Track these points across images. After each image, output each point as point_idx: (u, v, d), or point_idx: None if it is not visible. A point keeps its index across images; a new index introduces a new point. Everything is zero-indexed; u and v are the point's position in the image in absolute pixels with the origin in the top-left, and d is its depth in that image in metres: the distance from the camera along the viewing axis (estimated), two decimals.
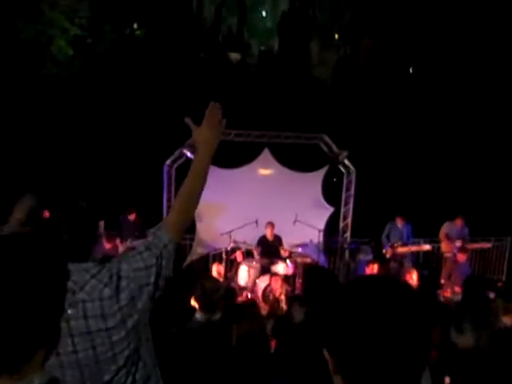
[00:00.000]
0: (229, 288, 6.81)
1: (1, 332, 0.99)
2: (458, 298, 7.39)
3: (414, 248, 10.01)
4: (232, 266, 9.56)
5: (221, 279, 7.86)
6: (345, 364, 1.06)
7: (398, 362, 1.02)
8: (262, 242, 9.48)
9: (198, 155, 2.25)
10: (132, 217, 9.57)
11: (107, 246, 7.70)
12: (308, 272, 3.67)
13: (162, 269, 2.04)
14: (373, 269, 8.04)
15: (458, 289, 8.01)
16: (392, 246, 9.69)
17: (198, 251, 10.57)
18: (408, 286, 1.18)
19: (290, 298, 6.30)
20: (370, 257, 9.92)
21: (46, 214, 9.72)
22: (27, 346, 1.03)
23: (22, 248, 1.07)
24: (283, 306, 7.57)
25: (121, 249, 8.60)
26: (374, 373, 1.02)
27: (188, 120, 2.28)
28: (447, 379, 3.23)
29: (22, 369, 1.03)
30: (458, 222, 9.86)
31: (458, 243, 9.60)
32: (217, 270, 8.10)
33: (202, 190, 2.21)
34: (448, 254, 9.67)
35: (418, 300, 1.08)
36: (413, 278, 7.66)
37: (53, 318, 1.08)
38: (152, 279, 2.01)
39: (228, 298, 5.11)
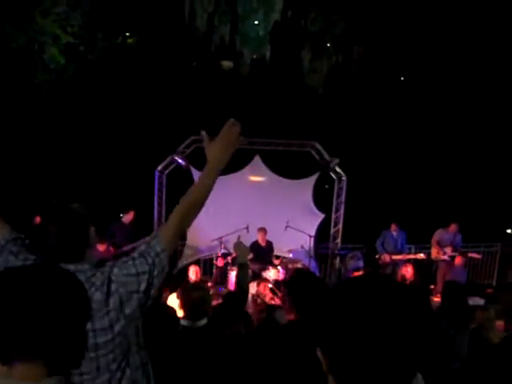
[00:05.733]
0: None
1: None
2: None
3: (409, 256, 10.01)
4: (222, 272, 9.54)
5: (197, 280, 7.80)
6: (336, 364, 1.05)
7: (390, 362, 0.99)
8: (255, 247, 9.46)
9: (205, 170, 2.20)
10: (130, 217, 8.87)
11: (100, 248, 7.60)
12: (294, 276, 3.60)
13: (154, 278, 2.04)
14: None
15: None
16: (387, 254, 9.68)
17: (188, 257, 10.52)
18: (401, 284, 1.15)
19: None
20: (361, 263, 9.91)
21: (38, 219, 9.68)
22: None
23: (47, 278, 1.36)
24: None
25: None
26: (364, 373, 1.00)
27: (203, 133, 2.23)
28: None
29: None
30: (452, 229, 9.80)
31: (448, 250, 9.59)
32: (194, 271, 8.01)
33: (203, 204, 2.18)
34: (440, 260, 9.68)
35: (412, 298, 1.05)
36: (408, 270, 7.67)
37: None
38: (142, 287, 2.02)
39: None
